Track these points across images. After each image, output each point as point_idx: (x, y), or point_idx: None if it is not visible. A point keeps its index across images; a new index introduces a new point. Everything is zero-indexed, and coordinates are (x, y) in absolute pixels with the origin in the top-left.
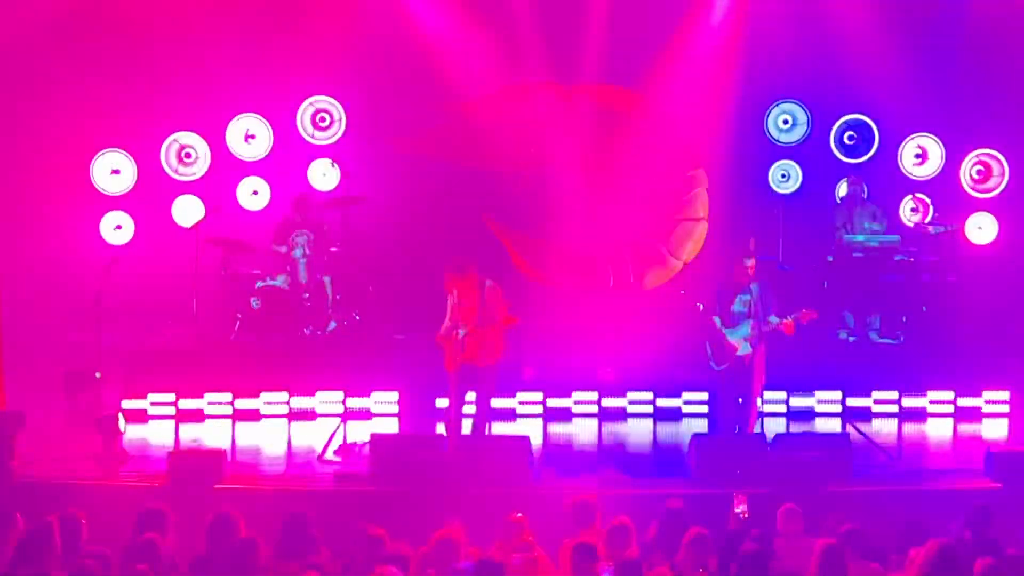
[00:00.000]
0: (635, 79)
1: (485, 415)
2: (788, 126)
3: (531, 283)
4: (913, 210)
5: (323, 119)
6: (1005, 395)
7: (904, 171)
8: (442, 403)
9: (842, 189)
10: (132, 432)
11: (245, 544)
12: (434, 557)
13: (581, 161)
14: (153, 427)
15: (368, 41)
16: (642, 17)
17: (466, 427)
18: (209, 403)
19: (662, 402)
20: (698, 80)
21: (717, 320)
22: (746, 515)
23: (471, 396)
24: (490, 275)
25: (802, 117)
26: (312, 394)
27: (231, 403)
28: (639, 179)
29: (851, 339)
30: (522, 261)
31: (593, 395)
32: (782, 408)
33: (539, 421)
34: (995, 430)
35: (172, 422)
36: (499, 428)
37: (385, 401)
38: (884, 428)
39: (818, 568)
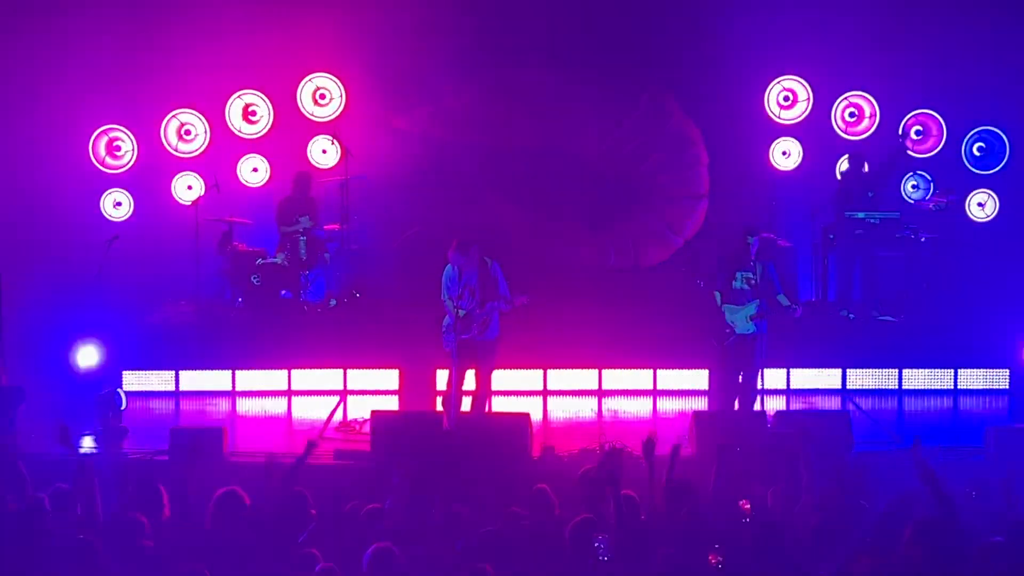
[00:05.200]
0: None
1: (486, 393)
2: (789, 103)
3: (532, 260)
4: (914, 187)
5: (323, 96)
6: (1005, 372)
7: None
8: (442, 381)
9: (843, 166)
10: (132, 408)
11: (251, 521)
12: None
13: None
14: (153, 403)
15: (369, 17)
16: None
17: (466, 404)
18: (209, 380)
19: (662, 379)
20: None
21: (717, 296)
22: (748, 519)
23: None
24: (491, 252)
25: (803, 94)
26: (312, 371)
27: (231, 380)
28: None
29: (851, 316)
30: (523, 238)
31: (593, 372)
32: (782, 385)
33: (539, 398)
34: (995, 407)
35: (172, 398)
36: (499, 405)
37: (385, 378)
38: (885, 405)
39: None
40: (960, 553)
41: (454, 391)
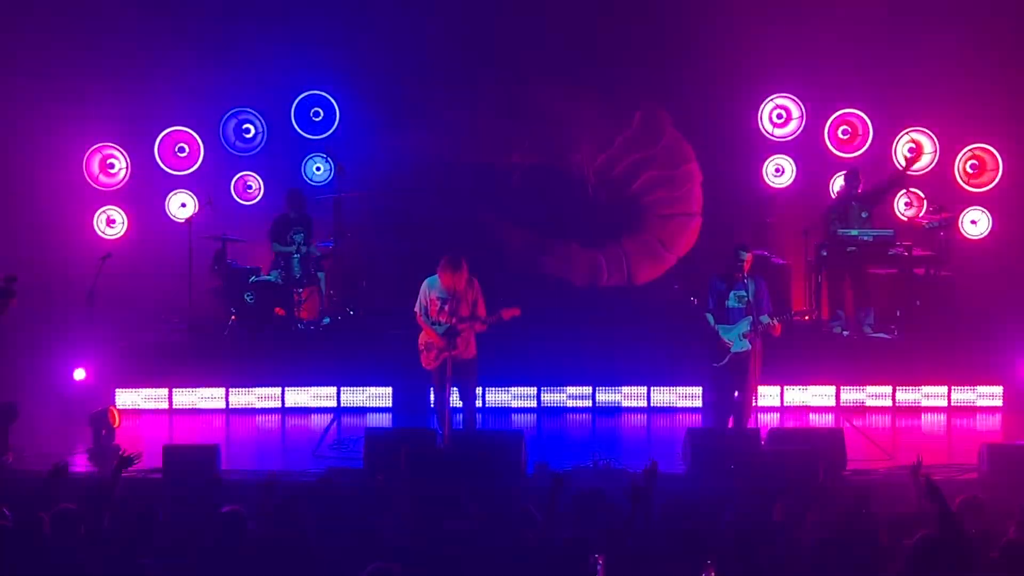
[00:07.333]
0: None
1: (474, 409)
2: (782, 120)
3: (526, 277)
4: (907, 204)
5: (317, 113)
6: (998, 389)
7: (898, 166)
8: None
9: (837, 184)
10: (125, 425)
11: (254, 541)
12: None
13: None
14: (147, 421)
15: (363, 34)
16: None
17: (456, 421)
18: (202, 397)
19: (656, 396)
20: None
21: (710, 317)
22: None
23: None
24: (485, 269)
25: (796, 112)
26: (306, 389)
27: (225, 397)
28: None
29: (844, 333)
30: (517, 255)
31: (587, 389)
32: (776, 403)
33: (533, 416)
34: (988, 424)
35: (166, 416)
36: (493, 422)
37: (379, 396)
38: (878, 422)
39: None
40: (962, 570)
41: (445, 408)
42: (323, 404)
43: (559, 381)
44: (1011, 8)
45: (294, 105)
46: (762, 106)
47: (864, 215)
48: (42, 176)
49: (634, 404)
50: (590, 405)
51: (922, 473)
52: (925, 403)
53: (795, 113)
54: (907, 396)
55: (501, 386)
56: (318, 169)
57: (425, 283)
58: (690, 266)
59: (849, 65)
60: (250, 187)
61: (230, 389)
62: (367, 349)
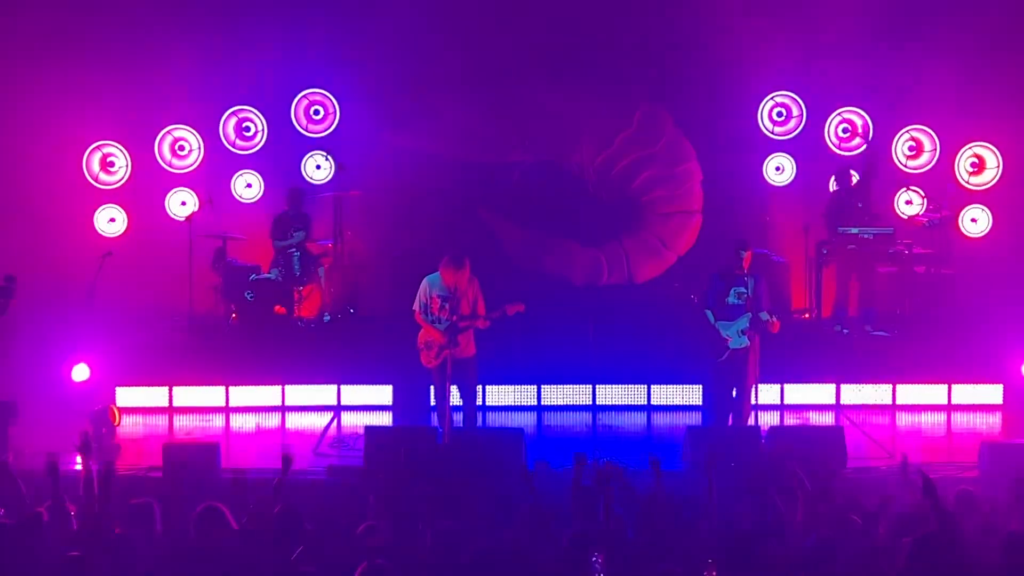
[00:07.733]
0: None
1: (474, 407)
2: (782, 119)
3: (526, 276)
4: (907, 203)
5: (317, 111)
6: (998, 388)
7: (898, 164)
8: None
9: (835, 183)
10: (126, 424)
11: (237, 537)
12: None
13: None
14: (147, 419)
15: (363, 34)
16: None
17: (456, 419)
18: (203, 395)
19: (656, 394)
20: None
21: (710, 314)
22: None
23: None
24: (486, 267)
25: (796, 110)
26: (306, 387)
27: (225, 396)
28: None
29: (845, 331)
30: (517, 254)
31: (587, 388)
32: (776, 400)
33: (533, 413)
34: (988, 422)
35: (166, 414)
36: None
37: (379, 394)
38: (878, 420)
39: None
40: (960, 568)
41: (445, 406)
42: (323, 402)
43: (559, 379)
44: (1011, 6)
45: (294, 103)
46: (762, 104)
47: (860, 205)
48: (42, 174)
49: (634, 402)
50: (590, 403)
51: (916, 469)
52: (925, 401)
53: (795, 111)
54: (907, 394)
55: (501, 384)
56: (318, 167)
57: (425, 281)
58: (690, 264)
59: (849, 63)
60: (250, 185)
61: (230, 387)
62: (367, 347)
